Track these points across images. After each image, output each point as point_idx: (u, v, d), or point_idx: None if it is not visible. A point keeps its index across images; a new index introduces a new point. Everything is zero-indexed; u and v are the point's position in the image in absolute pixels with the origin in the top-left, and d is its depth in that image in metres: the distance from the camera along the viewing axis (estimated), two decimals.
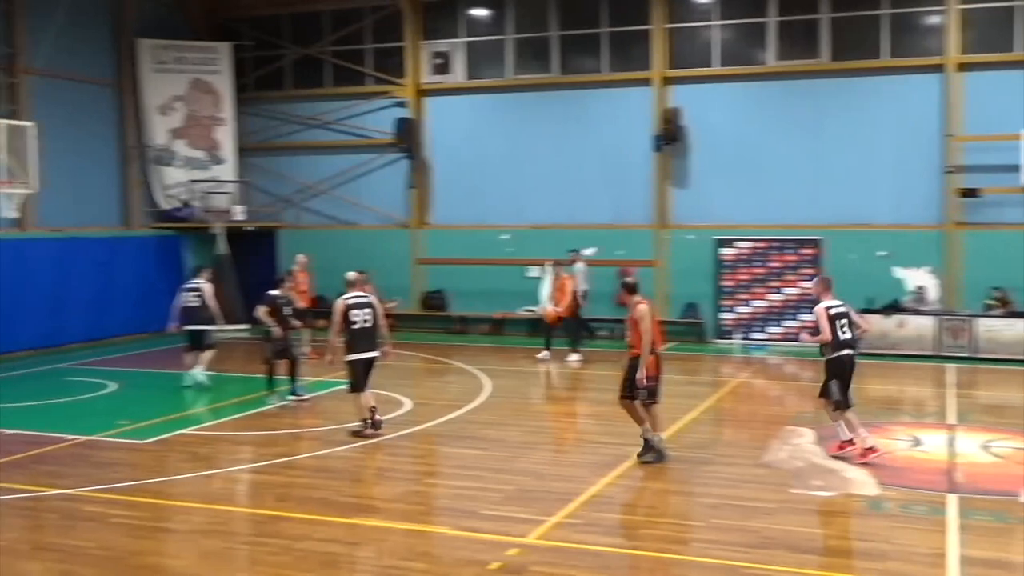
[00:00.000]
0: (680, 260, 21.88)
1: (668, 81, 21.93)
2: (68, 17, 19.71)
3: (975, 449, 11.81)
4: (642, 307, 10.86)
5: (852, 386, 11.22)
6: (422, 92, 23.94)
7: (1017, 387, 15.99)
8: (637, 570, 8.11)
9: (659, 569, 8.10)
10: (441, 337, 22.61)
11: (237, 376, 17.48)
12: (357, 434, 12.42)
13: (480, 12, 23.54)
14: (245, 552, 8.60)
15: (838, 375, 11.09)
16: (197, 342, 16.32)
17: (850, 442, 11.06)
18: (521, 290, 22.12)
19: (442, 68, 23.65)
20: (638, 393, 10.89)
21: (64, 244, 20.95)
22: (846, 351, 11.09)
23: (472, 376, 17.33)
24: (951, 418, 13.66)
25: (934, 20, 20.31)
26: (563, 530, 8.76)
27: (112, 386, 16.31)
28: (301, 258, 20.24)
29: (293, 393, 14.66)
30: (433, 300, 23.76)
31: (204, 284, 16.41)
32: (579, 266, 20.12)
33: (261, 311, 14.79)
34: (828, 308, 11.14)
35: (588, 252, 21.26)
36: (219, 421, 13.54)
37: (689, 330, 21.57)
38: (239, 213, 24.09)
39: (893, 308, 19.57)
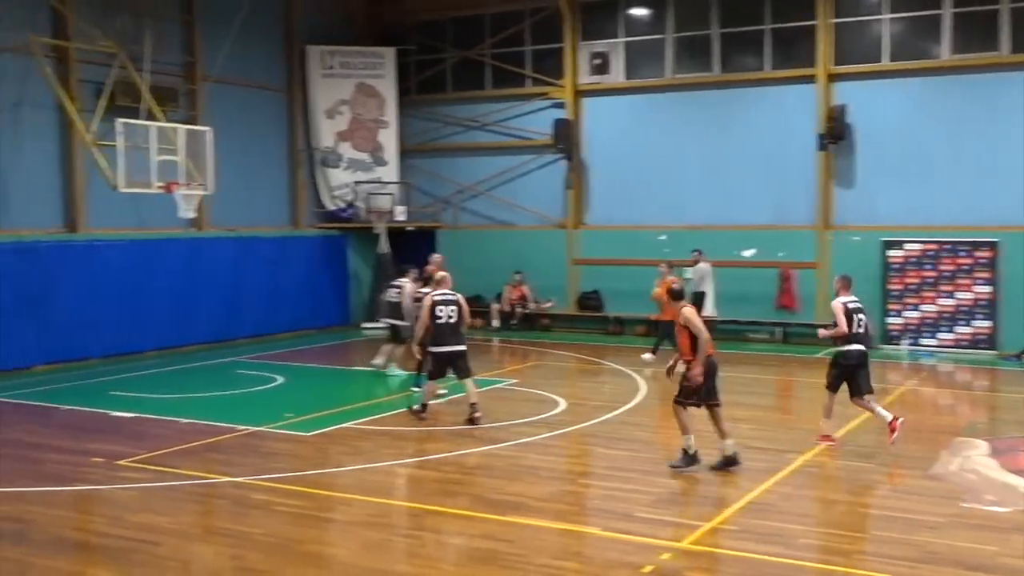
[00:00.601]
0: (844, 262, 21.07)
1: (833, 78, 21.27)
2: (242, 27, 20.63)
3: None
4: (686, 310, 10.96)
5: (870, 374, 11.90)
6: (580, 93, 23.97)
7: None
8: None
9: None
10: (597, 338, 22.59)
11: (398, 373, 17.92)
12: (415, 413, 13.52)
13: (639, 11, 23.39)
14: (403, 545, 8.81)
15: (846, 368, 11.72)
16: (395, 337, 16.79)
17: (896, 419, 11.63)
18: None
19: (600, 68, 23.61)
20: (692, 398, 10.78)
21: (236, 243, 21.93)
22: (858, 345, 11.69)
23: (627, 377, 17.24)
24: None
25: None
26: (717, 536, 8.62)
27: (279, 379, 16.96)
28: (436, 257, 20.57)
29: (417, 385, 14.99)
30: (589, 301, 23.76)
31: (407, 283, 16.59)
32: (702, 267, 19.81)
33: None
34: (846, 303, 11.76)
35: (747, 253, 20.86)
36: (379, 416, 13.89)
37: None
38: (400, 213, 24.68)
39: None
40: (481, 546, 8.42)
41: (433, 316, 13.20)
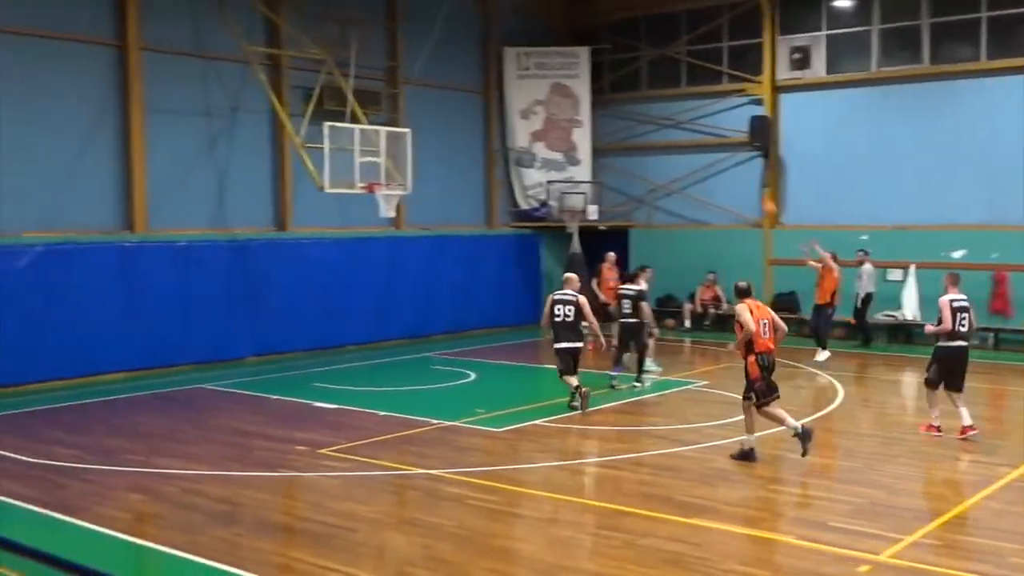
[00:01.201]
0: None
1: None
2: (442, 31, 21.20)
3: None
4: (739, 306, 11.37)
5: (966, 373, 12.22)
6: (778, 89, 23.33)
7: None
8: None
9: None
10: (792, 340, 21.88)
11: (587, 372, 17.98)
12: (573, 407, 13.88)
13: (843, 3, 22.51)
14: (589, 543, 8.82)
15: (946, 363, 12.11)
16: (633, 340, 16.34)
17: (970, 427, 12.05)
18: (881, 293, 20.94)
19: (801, 63, 22.89)
20: (753, 396, 11.19)
21: (433, 242, 22.54)
22: (959, 342, 12.10)
23: (824, 381, 16.69)
24: None
25: None
26: (920, 551, 8.20)
27: (472, 376, 17.32)
28: (610, 255, 20.45)
29: (639, 380, 15.83)
30: (784, 301, 23.09)
31: (641, 287, 16.31)
32: (868, 268, 18.98)
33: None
34: (951, 300, 12.15)
35: (956, 255, 19.81)
36: (570, 414, 13.96)
37: None
38: (592, 213, 24.73)
39: None
40: (667, 548, 8.33)
41: (552, 314, 13.97)
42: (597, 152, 25.89)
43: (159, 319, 17.56)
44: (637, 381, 15.90)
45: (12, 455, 11.60)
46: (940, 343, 12.25)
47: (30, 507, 9.56)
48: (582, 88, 25.53)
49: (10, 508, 9.59)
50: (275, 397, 15.33)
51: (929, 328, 12.58)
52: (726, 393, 15.36)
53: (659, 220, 25.26)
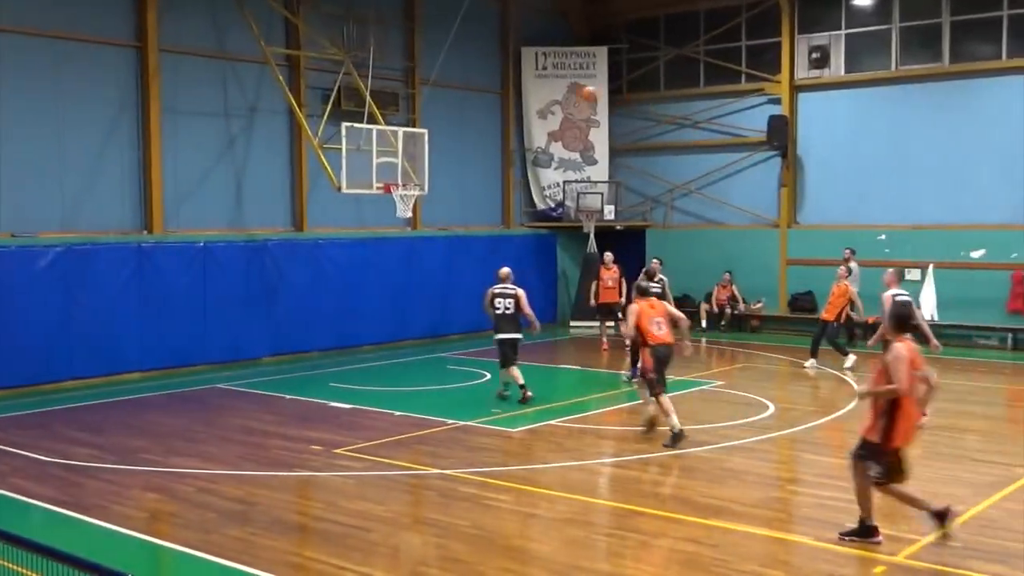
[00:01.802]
0: None
1: None
2: (459, 31, 21.21)
3: None
4: (631, 307, 12.46)
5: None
6: (796, 88, 23.25)
7: None
8: None
9: None
10: (808, 341, 21.80)
11: (601, 372, 17.98)
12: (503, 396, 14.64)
13: (862, 1, 22.38)
14: (604, 544, 8.80)
15: None
16: None
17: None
18: None
19: (819, 62, 22.79)
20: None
21: (449, 242, 22.55)
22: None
23: (841, 381, 16.60)
24: None
25: None
26: (936, 552, 8.14)
27: (487, 375, 17.31)
28: (608, 256, 20.41)
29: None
30: (801, 301, 23.01)
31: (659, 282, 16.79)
32: (852, 266, 18.81)
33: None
34: (895, 296, 13.02)
35: (976, 254, 19.69)
36: (585, 414, 13.94)
37: None
38: (609, 213, 24.68)
39: None
40: (684, 549, 8.31)
41: (493, 307, 14.68)
42: (614, 152, 25.85)
43: (176, 319, 17.64)
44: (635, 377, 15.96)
45: (29, 454, 11.67)
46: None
47: (47, 506, 9.62)
48: (599, 88, 25.48)
49: (27, 507, 9.65)
50: (291, 397, 15.37)
51: (877, 328, 13.54)
52: (742, 393, 15.33)
53: (676, 220, 25.20)
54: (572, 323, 24.14)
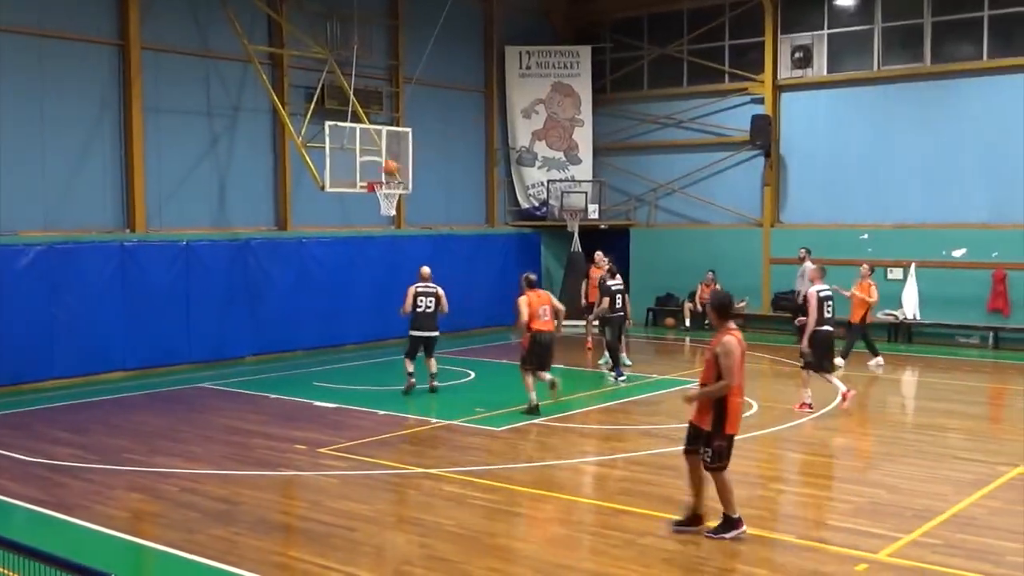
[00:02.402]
0: None
1: None
2: (443, 30, 21.20)
3: None
4: (520, 299, 13.88)
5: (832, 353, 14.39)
6: (779, 87, 23.34)
7: None
8: None
9: None
10: (791, 339, 21.86)
11: (586, 371, 18.00)
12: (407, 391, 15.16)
13: (845, 1, 22.51)
14: (589, 542, 8.81)
15: (819, 347, 13.71)
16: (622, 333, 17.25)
17: (809, 405, 13.84)
18: (881, 292, 20.88)
19: (802, 62, 22.89)
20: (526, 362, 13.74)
21: (433, 241, 22.52)
22: (827, 327, 13.79)
23: (824, 381, 16.64)
24: None
25: None
26: (919, 549, 8.20)
27: (471, 375, 17.31)
28: (598, 254, 20.44)
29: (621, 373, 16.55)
30: (785, 301, 23.08)
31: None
32: (807, 265, 18.87)
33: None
34: (818, 292, 13.77)
35: (957, 253, 19.80)
36: (569, 413, 13.96)
37: None
38: (593, 212, 24.71)
39: None
40: (667, 547, 8.33)
41: (414, 305, 15.34)
42: (598, 151, 25.88)
43: (159, 318, 17.58)
44: (620, 376, 16.38)
45: (11, 454, 11.60)
46: (816, 328, 13.64)
47: (29, 506, 9.57)
48: (583, 87, 25.53)
49: (9, 507, 9.59)
50: (275, 396, 15.33)
51: (800, 320, 14.27)
52: None
53: (660, 219, 25.26)
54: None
